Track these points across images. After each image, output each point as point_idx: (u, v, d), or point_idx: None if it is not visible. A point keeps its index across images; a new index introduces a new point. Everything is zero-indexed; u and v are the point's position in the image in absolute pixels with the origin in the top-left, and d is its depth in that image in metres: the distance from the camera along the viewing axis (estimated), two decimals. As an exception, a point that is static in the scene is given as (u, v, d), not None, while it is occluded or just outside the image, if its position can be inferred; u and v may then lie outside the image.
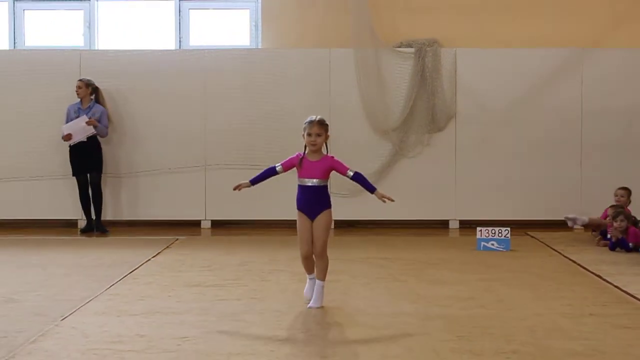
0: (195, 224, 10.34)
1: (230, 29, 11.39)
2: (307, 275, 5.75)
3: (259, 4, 10.99)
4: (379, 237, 9.58)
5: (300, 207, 5.61)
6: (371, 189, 5.63)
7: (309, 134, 5.55)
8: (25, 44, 11.29)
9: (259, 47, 11.01)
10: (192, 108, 10.27)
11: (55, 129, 10.02)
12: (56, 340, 4.80)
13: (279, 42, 10.90)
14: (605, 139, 10.16)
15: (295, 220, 5.71)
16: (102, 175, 9.85)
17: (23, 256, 8.08)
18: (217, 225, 10.35)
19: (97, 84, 10.10)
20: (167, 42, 11.23)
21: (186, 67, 10.39)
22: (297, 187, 5.68)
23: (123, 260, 7.66)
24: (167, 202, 10.32)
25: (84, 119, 9.49)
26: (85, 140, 9.56)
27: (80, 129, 9.49)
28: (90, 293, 6.11)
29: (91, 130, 9.54)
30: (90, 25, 11.27)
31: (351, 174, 5.62)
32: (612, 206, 8.70)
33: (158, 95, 10.27)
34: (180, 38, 11.23)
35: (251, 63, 10.45)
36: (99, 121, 9.60)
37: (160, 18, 11.33)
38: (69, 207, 10.27)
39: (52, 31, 11.40)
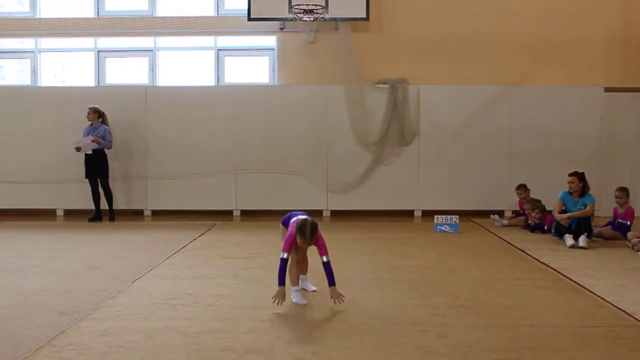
0: (229, 212, 10.32)
1: (254, 70, 11.37)
2: (293, 287, 4.67)
3: (276, 52, 10.99)
4: (363, 222, 9.59)
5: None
6: (331, 282, 4.47)
7: (302, 244, 4.52)
8: (106, 82, 11.32)
9: (276, 83, 11.01)
10: (227, 128, 10.26)
11: (124, 142, 10.09)
12: (128, 297, 4.85)
13: (290, 79, 10.90)
14: (527, 150, 10.14)
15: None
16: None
17: (103, 236, 8.12)
18: (245, 213, 10.36)
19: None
20: (208, 80, 11.23)
21: (222, 98, 10.36)
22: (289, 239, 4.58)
23: (176, 239, 7.68)
24: (208, 196, 10.29)
25: (89, 138, 9.42)
26: (91, 152, 9.48)
27: (87, 144, 9.42)
28: (153, 263, 6.16)
29: (94, 146, 9.42)
30: (152, 68, 11.28)
31: (325, 260, 4.51)
32: (528, 201, 8.69)
33: (203, 119, 10.25)
34: (218, 77, 11.24)
35: (270, 95, 10.45)
36: (103, 138, 9.48)
37: (203, 62, 11.33)
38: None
39: (125, 72, 11.40)
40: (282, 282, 4.40)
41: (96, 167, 9.57)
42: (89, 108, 9.58)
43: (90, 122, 9.61)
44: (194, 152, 10.28)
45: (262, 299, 4.77)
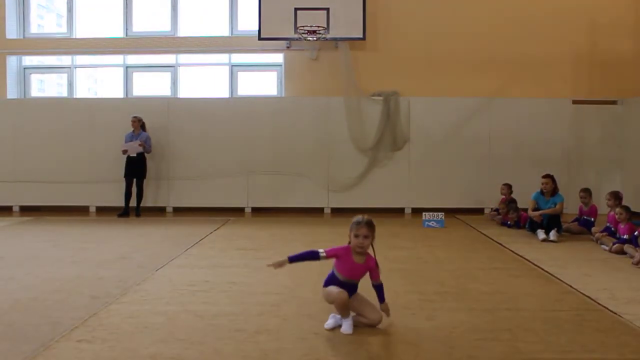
0: (241, 209, 10.33)
1: (264, 84, 11.37)
2: (344, 319, 3.61)
3: (283, 68, 10.99)
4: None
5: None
6: (382, 300, 3.72)
7: (356, 235, 3.59)
8: (133, 94, 11.32)
9: (283, 95, 11.00)
10: (239, 135, 10.26)
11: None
12: (153, 284, 4.85)
13: (295, 92, 10.89)
14: (504, 154, 10.15)
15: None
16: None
17: (130, 230, 8.13)
18: (255, 210, 10.36)
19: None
20: (223, 92, 11.22)
21: (236, 109, 10.38)
22: (331, 273, 3.76)
23: (194, 232, 7.69)
24: (223, 195, 10.29)
25: (137, 142, 9.52)
26: (135, 155, 9.56)
27: (134, 148, 9.52)
28: (174, 254, 6.16)
29: (140, 149, 9.54)
30: (174, 82, 11.30)
31: (378, 283, 3.72)
32: (506, 203, 8.65)
33: (218, 127, 10.26)
34: (231, 90, 11.24)
35: (277, 106, 10.44)
36: (145, 142, 9.62)
37: (219, 77, 11.32)
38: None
39: (150, 86, 11.41)
40: (292, 259, 3.69)
41: (137, 168, 9.63)
42: (133, 117, 9.69)
43: (132, 129, 9.69)
44: (210, 156, 10.29)
45: (270, 285, 4.77)
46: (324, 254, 3.66)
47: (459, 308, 4.12)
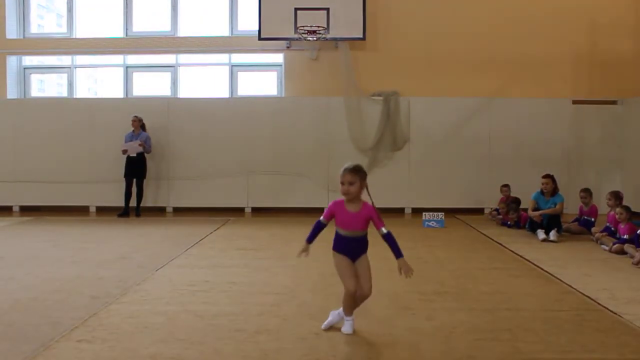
0: (241, 209, 10.32)
1: (264, 84, 11.37)
2: (347, 317, 3.59)
3: (283, 68, 11.00)
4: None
5: (340, 251, 3.59)
6: (397, 254, 3.59)
7: (342, 183, 3.61)
8: (133, 94, 11.32)
9: (283, 95, 11.00)
10: (239, 135, 10.26)
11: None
12: (153, 284, 4.85)
13: (295, 92, 10.89)
14: (504, 154, 10.14)
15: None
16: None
17: (130, 230, 8.13)
18: (255, 210, 10.36)
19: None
20: (223, 92, 11.22)
21: (236, 109, 10.38)
22: (335, 232, 3.66)
23: (194, 232, 7.69)
24: (223, 195, 10.29)
25: (137, 142, 9.53)
26: (135, 155, 9.57)
27: (134, 148, 9.53)
28: (174, 254, 6.16)
29: (140, 149, 9.55)
30: (174, 82, 11.29)
31: (384, 231, 3.58)
32: (506, 203, 8.65)
33: (218, 127, 10.26)
34: (231, 90, 11.24)
35: (277, 106, 10.44)
36: (145, 142, 9.63)
37: (219, 77, 11.32)
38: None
39: (150, 85, 11.41)
40: (309, 239, 3.62)
41: (137, 168, 9.64)
42: (134, 117, 9.71)
43: (132, 129, 9.71)
44: (210, 156, 10.29)
45: (270, 285, 4.77)
46: (324, 220, 3.62)
47: (459, 308, 4.12)
